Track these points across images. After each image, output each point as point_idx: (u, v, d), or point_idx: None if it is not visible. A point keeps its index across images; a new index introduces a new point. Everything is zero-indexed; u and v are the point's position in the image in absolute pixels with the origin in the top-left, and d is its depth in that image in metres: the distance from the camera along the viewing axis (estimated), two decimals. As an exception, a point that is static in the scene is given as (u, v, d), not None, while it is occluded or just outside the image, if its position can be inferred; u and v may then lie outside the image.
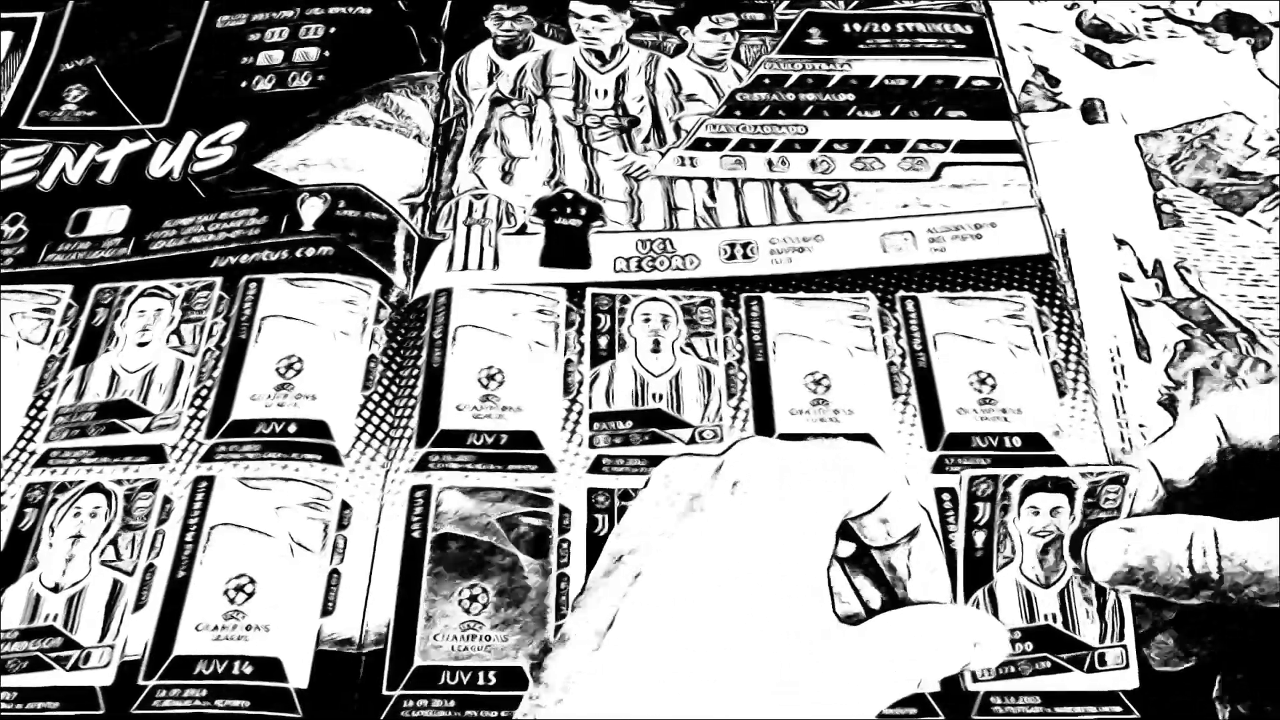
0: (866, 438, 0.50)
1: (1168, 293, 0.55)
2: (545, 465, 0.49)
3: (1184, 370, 0.53)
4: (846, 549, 0.36)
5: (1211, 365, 0.53)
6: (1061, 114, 0.63)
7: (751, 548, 0.31)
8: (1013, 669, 0.43)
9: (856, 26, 0.66)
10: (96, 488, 0.49)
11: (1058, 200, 0.59)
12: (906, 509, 0.36)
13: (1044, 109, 0.63)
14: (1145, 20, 0.67)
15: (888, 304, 0.54)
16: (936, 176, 0.59)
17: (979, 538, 0.46)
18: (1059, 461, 0.49)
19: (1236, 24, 0.67)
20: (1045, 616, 0.44)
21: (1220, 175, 0.60)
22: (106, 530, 0.47)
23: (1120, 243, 0.57)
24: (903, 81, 0.63)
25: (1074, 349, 0.53)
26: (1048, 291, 0.54)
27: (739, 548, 0.31)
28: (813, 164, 0.60)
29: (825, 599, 0.32)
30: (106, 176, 0.60)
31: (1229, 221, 0.58)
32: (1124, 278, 0.56)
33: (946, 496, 0.48)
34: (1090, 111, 0.63)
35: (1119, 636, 0.44)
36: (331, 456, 0.49)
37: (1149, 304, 0.55)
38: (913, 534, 0.37)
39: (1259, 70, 0.64)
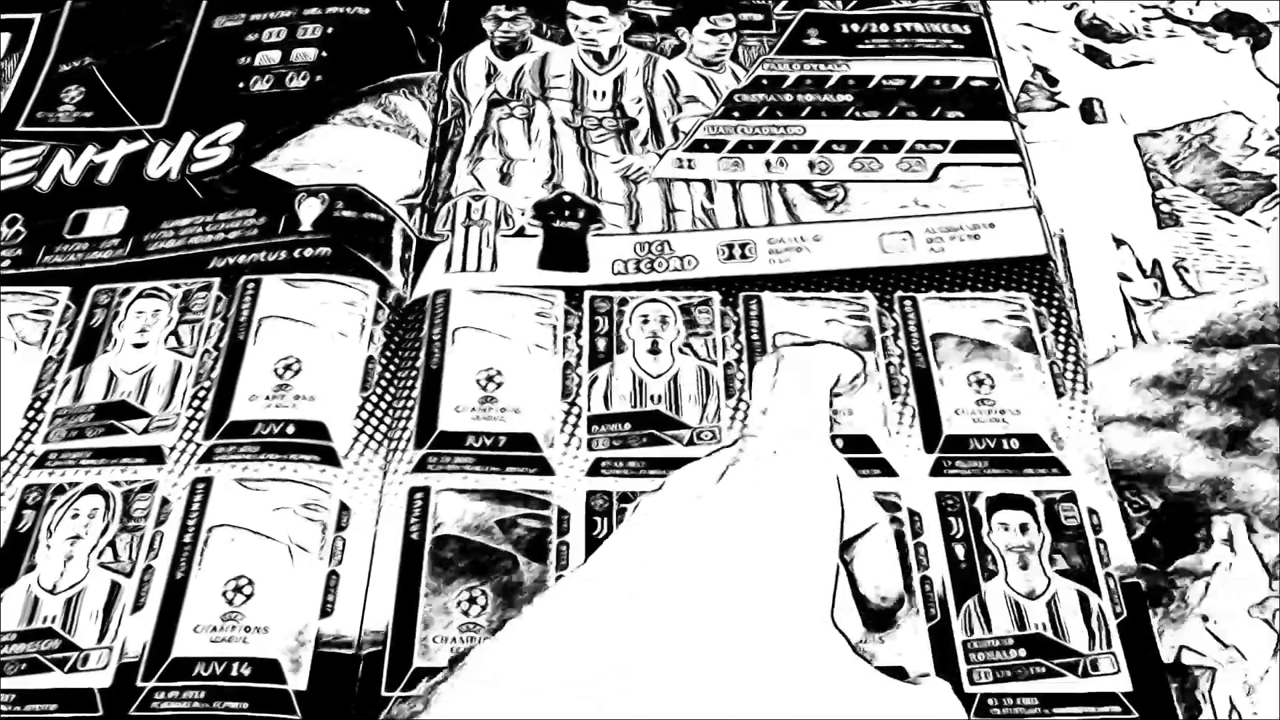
0: (864, 439, 0.50)
1: (1166, 292, 0.55)
2: (544, 468, 0.49)
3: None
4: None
5: None
6: (1060, 114, 0.63)
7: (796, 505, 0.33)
8: (1009, 673, 0.44)
9: (855, 27, 0.66)
10: (95, 489, 0.49)
11: (1056, 200, 0.59)
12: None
13: (1043, 109, 0.63)
14: (1144, 20, 0.67)
15: (886, 304, 0.54)
16: (935, 177, 0.59)
17: (960, 550, 0.46)
18: (1057, 465, 0.49)
19: (1236, 23, 0.66)
20: (1035, 626, 0.45)
21: (1219, 175, 0.60)
22: (105, 532, 0.47)
23: (1119, 242, 0.57)
24: (900, 82, 0.63)
25: (1072, 349, 0.53)
26: (1045, 292, 0.54)
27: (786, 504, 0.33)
28: (811, 165, 0.60)
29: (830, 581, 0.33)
30: (104, 177, 0.60)
31: (1227, 221, 0.58)
32: (1123, 277, 0.56)
33: (949, 501, 0.48)
34: (1089, 111, 0.63)
35: (1107, 644, 0.44)
36: (330, 458, 0.49)
37: (1147, 304, 0.55)
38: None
39: (1258, 70, 0.64)
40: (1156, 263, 0.56)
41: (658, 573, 0.32)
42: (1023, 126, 0.62)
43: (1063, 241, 0.57)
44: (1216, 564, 0.47)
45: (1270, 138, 0.61)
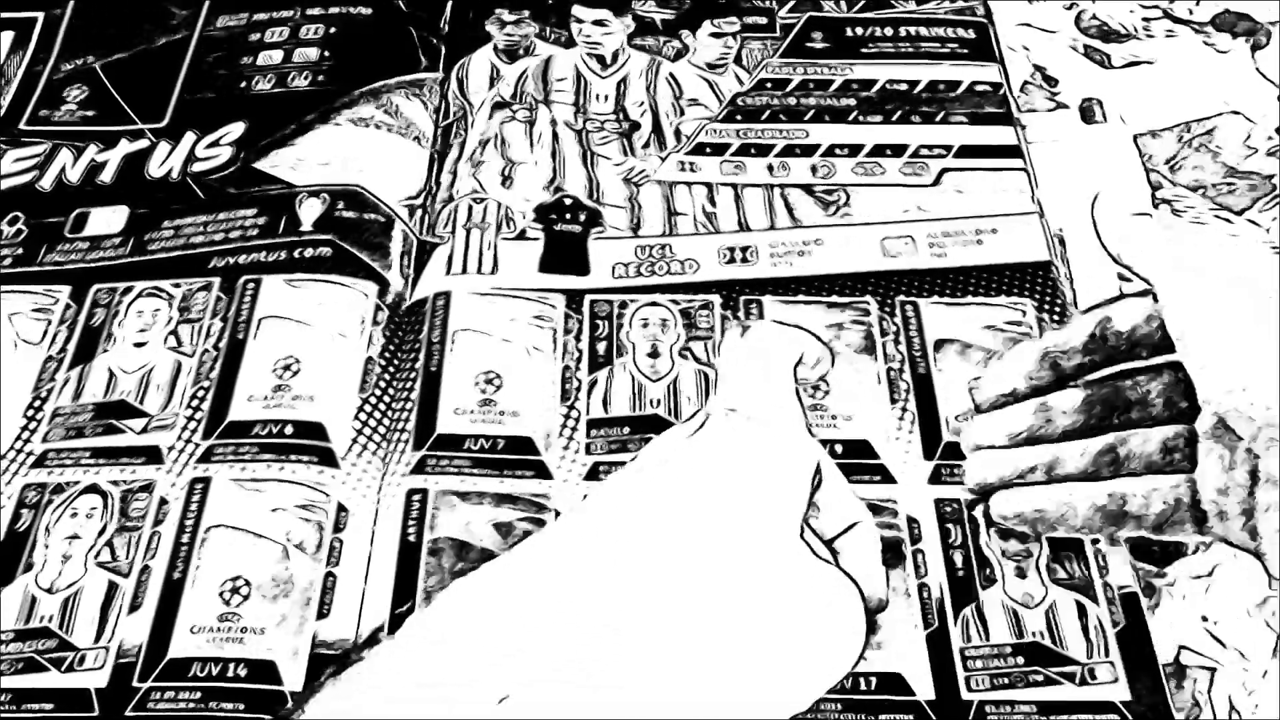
0: (863, 444, 0.50)
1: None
2: (542, 471, 0.49)
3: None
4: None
5: None
6: (1060, 114, 0.63)
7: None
8: (1006, 680, 0.43)
9: (859, 30, 0.66)
10: (93, 489, 0.49)
11: (1056, 201, 0.58)
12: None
13: (1042, 109, 0.63)
14: (1144, 20, 0.67)
15: (887, 308, 0.54)
16: (938, 182, 0.59)
17: (958, 558, 0.46)
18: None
19: (1235, 24, 0.66)
20: (1033, 634, 0.45)
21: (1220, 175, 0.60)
22: (102, 531, 0.47)
23: (1119, 244, 0.57)
24: (904, 86, 0.63)
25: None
26: (1048, 297, 0.54)
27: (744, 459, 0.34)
28: (813, 169, 0.60)
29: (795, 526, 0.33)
30: (106, 176, 0.60)
31: (1227, 221, 0.58)
32: (1122, 278, 0.56)
33: (948, 508, 0.48)
34: (1089, 111, 0.63)
35: (1105, 653, 0.44)
36: (328, 459, 0.49)
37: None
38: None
39: (1257, 70, 0.64)
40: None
41: (631, 533, 0.32)
42: (1022, 127, 0.61)
43: (1062, 242, 0.57)
44: (1215, 565, 0.47)
45: (1269, 138, 0.61)
